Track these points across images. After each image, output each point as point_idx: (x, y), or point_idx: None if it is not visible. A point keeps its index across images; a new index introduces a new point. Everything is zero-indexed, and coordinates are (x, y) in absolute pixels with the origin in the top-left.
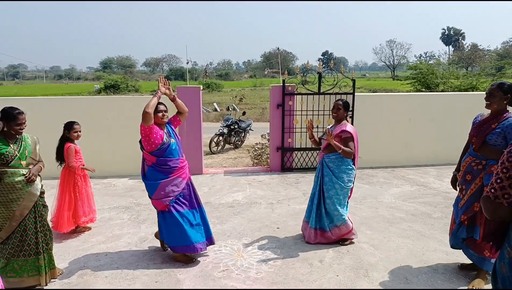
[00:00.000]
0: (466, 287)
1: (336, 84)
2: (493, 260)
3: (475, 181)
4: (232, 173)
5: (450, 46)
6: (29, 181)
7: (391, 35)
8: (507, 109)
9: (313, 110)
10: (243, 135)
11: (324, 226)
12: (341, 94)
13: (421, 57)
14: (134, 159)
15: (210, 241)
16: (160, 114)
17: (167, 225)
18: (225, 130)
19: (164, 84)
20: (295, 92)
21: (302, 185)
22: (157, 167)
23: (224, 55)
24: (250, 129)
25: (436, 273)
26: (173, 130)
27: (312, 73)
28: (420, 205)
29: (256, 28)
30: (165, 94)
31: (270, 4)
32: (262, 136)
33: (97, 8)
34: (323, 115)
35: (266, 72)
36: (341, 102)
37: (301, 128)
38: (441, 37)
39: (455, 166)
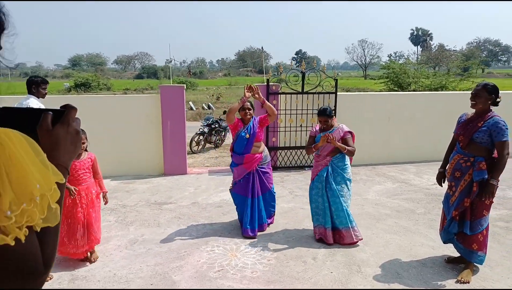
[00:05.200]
0: (454, 279)
1: (319, 83)
2: (480, 253)
3: (464, 178)
4: (216, 172)
5: (419, 46)
6: None
7: (363, 35)
8: (491, 108)
9: (296, 109)
10: (223, 134)
11: (341, 226)
12: (324, 93)
13: (391, 57)
14: (116, 160)
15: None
16: (242, 112)
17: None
18: (206, 129)
19: (251, 90)
20: (279, 91)
21: (288, 184)
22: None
23: (198, 53)
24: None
25: (425, 267)
26: (253, 129)
27: (295, 72)
28: (403, 201)
29: (229, 26)
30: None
31: (242, 2)
32: None
33: (64, 3)
34: (307, 114)
35: (240, 70)
36: (327, 112)
37: (285, 127)
38: (410, 37)
39: (433, 163)
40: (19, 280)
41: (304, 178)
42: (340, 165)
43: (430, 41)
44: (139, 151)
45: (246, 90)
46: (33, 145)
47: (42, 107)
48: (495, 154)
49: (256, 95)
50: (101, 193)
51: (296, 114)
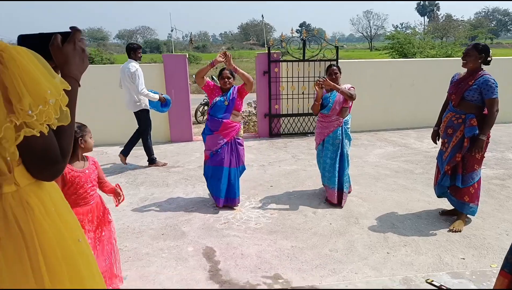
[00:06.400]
0: (447, 229)
1: (320, 51)
2: (472, 204)
3: (456, 134)
4: None
5: (425, 17)
6: None
7: (368, 6)
8: (482, 68)
9: (298, 77)
10: None
11: (343, 187)
12: (325, 60)
13: (398, 28)
14: (124, 127)
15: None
16: (222, 81)
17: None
18: None
19: (223, 56)
20: (280, 59)
21: (291, 149)
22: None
23: (200, 27)
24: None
25: (419, 219)
26: (232, 95)
27: (296, 41)
28: (403, 163)
29: None
30: (222, 62)
31: None
32: (248, 104)
33: None
34: (308, 81)
35: (244, 44)
36: (335, 67)
37: (287, 94)
38: (416, 7)
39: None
40: (43, 164)
41: (306, 144)
42: (347, 128)
43: (437, 11)
44: None
45: (219, 55)
46: (41, 60)
47: (140, 69)
48: (486, 111)
49: (227, 63)
50: (115, 189)
51: (298, 81)
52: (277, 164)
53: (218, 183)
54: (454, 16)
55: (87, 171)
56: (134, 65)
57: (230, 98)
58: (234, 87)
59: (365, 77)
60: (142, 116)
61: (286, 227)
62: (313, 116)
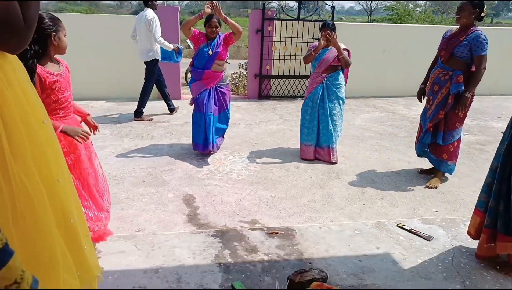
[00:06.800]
0: (423, 185)
1: (315, 10)
2: (450, 163)
3: (441, 91)
4: None
5: None
6: None
7: None
8: (474, 24)
9: (291, 37)
10: None
11: (323, 144)
12: (320, 21)
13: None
14: (110, 81)
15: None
16: (209, 30)
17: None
18: None
19: (211, 6)
20: (275, 17)
21: (279, 110)
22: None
23: None
24: (226, 61)
25: (398, 176)
26: (217, 45)
27: None
28: (388, 127)
29: None
30: (211, 13)
31: None
32: (239, 65)
33: None
34: (302, 42)
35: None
36: (330, 25)
37: (279, 55)
38: None
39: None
40: (4, 31)
41: (295, 106)
42: (335, 84)
43: None
44: (133, 72)
45: (206, 6)
46: None
47: (156, 17)
48: (473, 68)
49: (217, 13)
50: (86, 117)
51: (291, 42)
52: (264, 124)
53: (197, 128)
54: None
55: (65, 74)
56: (151, 13)
57: (215, 48)
58: (220, 35)
59: (359, 41)
60: (151, 66)
61: (267, 179)
62: (304, 79)
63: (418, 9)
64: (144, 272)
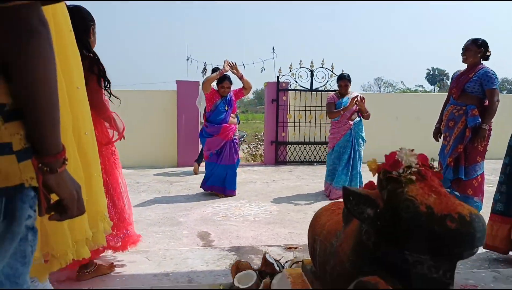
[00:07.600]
0: None
1: (327, 82)
2: (476, 199)
3: (458, 126)
4: None
5: (435, 86)
6: None
7: (378, 73)
8: (481, 62)
9: (305, 106)
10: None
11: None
12: (332, 91)
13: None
14: (131, 151)
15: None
16: (221, 90)
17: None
18: None
19: (229, 65)
20: (289, 88)
21: (296, 172)
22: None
23: (215, 58)
24: (243, 140)
25: None
26: (231, 100)
27: (304, 71)
28: None
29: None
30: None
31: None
32: (255, 136)
33: None
34: (315, 111)
35: (258, 108)
36: (347, 77)
37: (294, 122)
38: (426, 76)
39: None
40: None
41: (311, 169)
42: (360, 128)
43: (447, 80)
44: (154, 143)
45: (225, 65)
46: None
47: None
48: (486, 102)
49: (235, 71)
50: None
51: (305, 110)
52: (281, 181)
53: (219, 178)
54: None
55: None
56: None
57: (230, 104)
58: (231, 92)
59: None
60: None
61: (285, 220)
62: (319, 145)
63: None
64: (154, 275)
